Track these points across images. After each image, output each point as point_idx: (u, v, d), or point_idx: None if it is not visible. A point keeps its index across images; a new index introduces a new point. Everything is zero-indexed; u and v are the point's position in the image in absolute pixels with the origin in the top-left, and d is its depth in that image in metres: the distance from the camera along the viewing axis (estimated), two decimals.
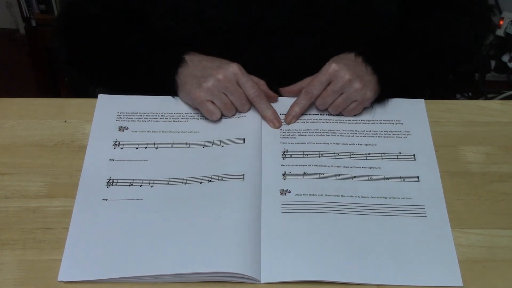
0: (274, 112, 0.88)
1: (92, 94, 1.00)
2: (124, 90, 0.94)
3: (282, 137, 0.86)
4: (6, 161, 0.82)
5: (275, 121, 0.87)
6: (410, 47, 0.92)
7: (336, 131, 0.87)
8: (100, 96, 0.91)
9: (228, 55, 0.89)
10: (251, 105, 0.88)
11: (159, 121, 0.88)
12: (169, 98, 0.91)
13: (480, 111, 0.93)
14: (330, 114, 0.90)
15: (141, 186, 0.79)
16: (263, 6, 0.88)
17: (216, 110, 0.86)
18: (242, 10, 0.88)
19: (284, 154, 0.84)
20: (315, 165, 0.82)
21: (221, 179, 0.79)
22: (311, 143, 0.86)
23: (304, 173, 0.81)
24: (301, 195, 0.78)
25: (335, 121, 0.89)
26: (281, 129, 0.87)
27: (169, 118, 0.89)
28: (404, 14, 0.92)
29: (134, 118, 0.88)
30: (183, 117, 0.89)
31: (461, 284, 0.70)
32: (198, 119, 0.89)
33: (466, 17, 0.95)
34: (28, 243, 0.73)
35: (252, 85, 0.86)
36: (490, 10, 1.01)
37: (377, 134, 0.87)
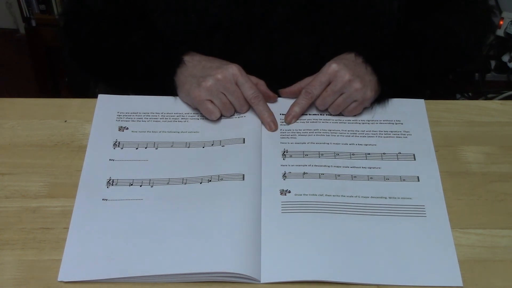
0: (271, 114, 0.87)
1: (92, 94, 1.00)
2: (124, 88, 0.94)
3: (282, 137, 0.86)
4: (6, 161, 0.82)
5: (271, 124, 0.87)
6: (410, 48, 0.92)
7: (336, 131, 0.87)
8: (100, 96, 0.91)
9: (229, 53, 0.89)
10: (249, 106, 0.88)
11: (159, 121, 0.88)
12: (169, 98, 0.91)
13: (480, 111, 0.93)
14: (330, 114, 0.90)
15: (141, 186, 0.79)
16: (265, 3, 0.88)
17: (216, 110, 0.86)
18: (243, 7, 0.88)
19: (284, 154, 0.84)
20: (315, 165, 0.82)
21: (221, 179, 0.79)
22: (311, 143, 0.86)
23: (304, 173, 0.81)
24: (301, 195, 0.78)
25: (335, 121, 0.89)
26: (281, 129, 0.87)
27: (169, 118, 0.89)
28: (405, 14, 0.92)
29: (134, 118, 0.88)
30: (183, 117, 0.89)
31: (461, 284, 0.70)
32: (198, 119, 0.89)
33: (466, 19, 0.95)
34: (28, 243, 0.73)
35: (251, 86, 0.86)
36: (491, 12, 1.00)
37: (377, 134, 0.87)
